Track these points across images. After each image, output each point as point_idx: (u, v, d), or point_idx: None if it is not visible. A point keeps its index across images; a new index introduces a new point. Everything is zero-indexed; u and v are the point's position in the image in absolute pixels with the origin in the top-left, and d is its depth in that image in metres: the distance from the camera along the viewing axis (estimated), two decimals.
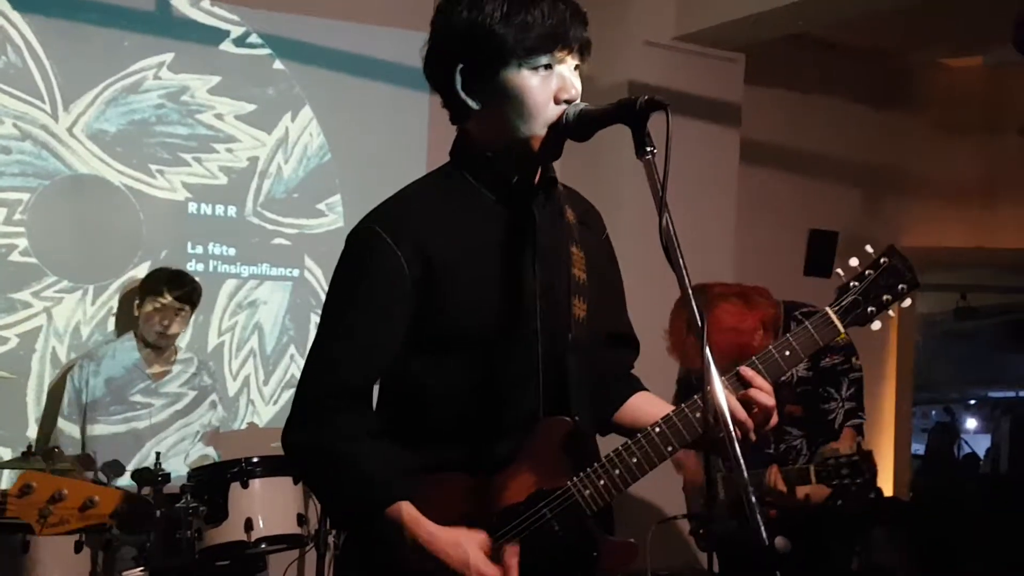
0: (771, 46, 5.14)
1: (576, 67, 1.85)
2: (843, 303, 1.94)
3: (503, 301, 1.83)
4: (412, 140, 4.90)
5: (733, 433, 1.52)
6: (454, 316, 1.81)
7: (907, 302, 1.97)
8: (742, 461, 1.47)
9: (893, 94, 6.24)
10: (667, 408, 2.00)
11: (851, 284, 1.96)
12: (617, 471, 1.83)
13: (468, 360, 1.82)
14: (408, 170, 4.69)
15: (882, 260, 1.97)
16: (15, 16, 4.30)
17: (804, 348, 1.92)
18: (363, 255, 1.84)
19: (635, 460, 1.84)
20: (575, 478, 1.83)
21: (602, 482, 1.83)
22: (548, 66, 1.80)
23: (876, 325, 1.96)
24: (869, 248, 1.99)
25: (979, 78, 6.47)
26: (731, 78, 5.17)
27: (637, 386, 2.12)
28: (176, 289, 4.11)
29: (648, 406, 2.06)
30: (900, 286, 1.95)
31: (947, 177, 6.24)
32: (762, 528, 1.42)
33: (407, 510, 1.74)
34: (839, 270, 2.01)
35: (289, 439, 1.85)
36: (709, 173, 5.01)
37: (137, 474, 3.38)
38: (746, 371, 1.88)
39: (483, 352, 1.82)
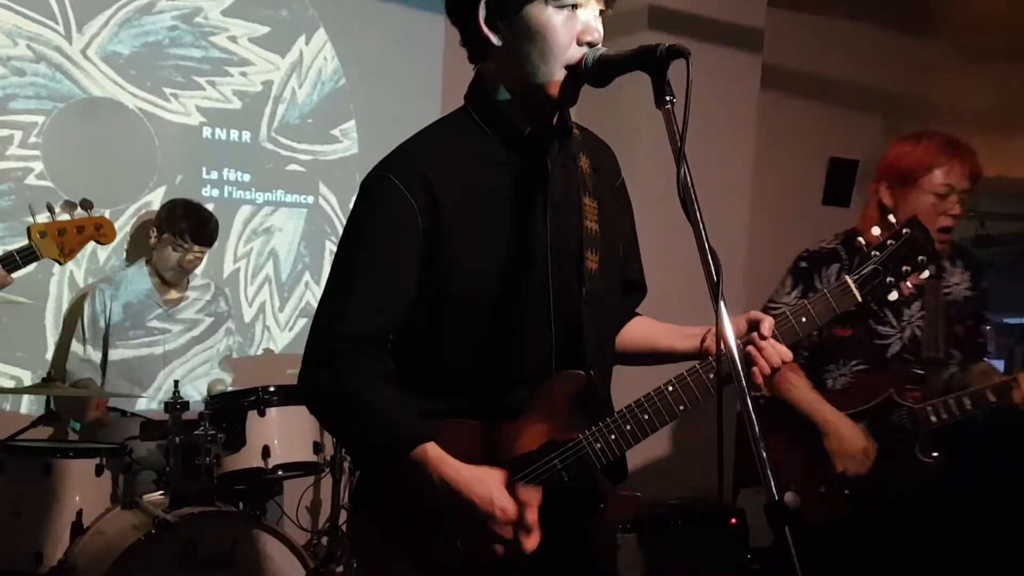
0: None
1: (601, 13, 1.82)
2: (863, 272, 1.95)
3: (513, 252, 1.83)
4: (427, 64, 4.84)
5: (745, 386, 1.52)
6: (462, 265, 1.82)
7: (925, 274, 1.97)
8: (755, 419, 1.47)
9: (916, 19, 6.11)
10: (662, 325, 2.07)
11: (872, 254, 1.96)
12: (628, 427, 1.85)
13: (478, 310, 1.83)
14: (423, 95, 4.78)
15: (904, 231, 1.98)
16: None
17: (820, 315, 1.92)
18: (375, 201, 1.84)
19: (647, 417, 1.85)
20: (587, 431, 1.85)
21: (613, 436, 1.84)
22: (573, 7, 1.78)
23: (893, 295, 1.96)
24: (892, 218, 2.00)
25: (1004, 4, 6.32)
26: (754, 1, 5.06)
27: (632, 316, 2.14)
28: (196, 227, 4.10)
29: (644, 331, 2.09)
30: (920, 257, 1.96)
31: (968, 105, 6.12)
32: (772, 483, 1.43)
33: (432, 450, 1.76)
34: (860, 239, 2.00)
35: (307, 380, 1.86)
36: (729, 99, 4.94)
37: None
38: (755, 315, 1.89)
39: (493, 303, 1.83)
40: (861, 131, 6.04)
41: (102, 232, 3.15)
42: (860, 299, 1.95)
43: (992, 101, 6.23)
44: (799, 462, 2.97)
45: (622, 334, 2.10)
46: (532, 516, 1.76)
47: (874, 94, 6.02)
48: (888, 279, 1.95)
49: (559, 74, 1.80)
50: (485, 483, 1.75)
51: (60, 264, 3.11)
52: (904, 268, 1.94)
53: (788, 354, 1.87)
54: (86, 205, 3.08)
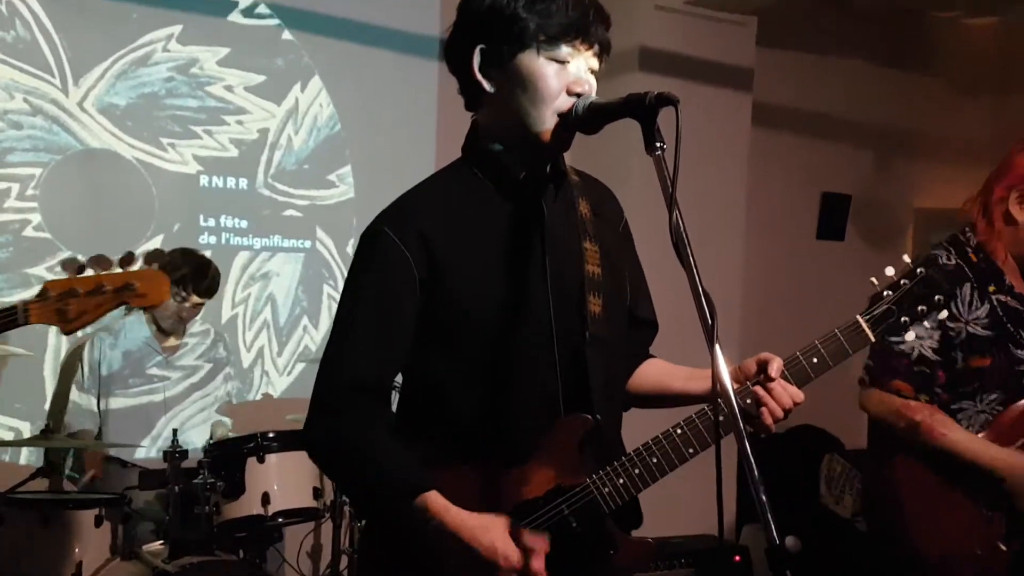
0: (783, 7, 5.09)
1: (595, 69, 1.85)
2: (875, 312, 1.91)
3: (513, 298, 1.85)
4: (422, 109, 4.89)
5: (743, 429, 1.53)
6: (461, 314, 1.83)
7: (943, 313, 1.93)
8: (752, 459, 1.48)
9: (906, 54, 6.17)
10: (675, 367, 2.05)
11: (884, 293, 1.93)
12: (637, 470, 1.84)
13: (481, 358, 1.84)
14: (418, 139, 4.82)
15: (918, 270, 1.94)
16: None
17: (832, 356, 1.88)
18: (372, 254, 1.87)
19: (655, 460, 1.85)
20: (594, 475, 1.84)
21: (621, 480, 1.84)
22: (565, 60, 1.82)
23: (910, 335, 1.94)
24: (906, 257, 1.97)
25: (993, 38, 6.39)
26: (743, 41, 5.13)
27: (646, 357, 2.14)
28: (199, 285, 4.07)
29: (656, 373, 2.09)
30: (936, 297, 1.92)
31: (960, 138, 6.18)
32: (772, 527, 1.43)
33: (434, 498, 1.77)
34: (873, 279, 1.96)
35: (308, 436, 1.89)
36: (721, 137, 4.99)
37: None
38: (765, 356, 1.87)
39: (496, 350, 1.84)
40: (853, 166, 6.09)
41: (135, 292, 2.37)
42: (873, 339, 1.91)
43: (984, 134, 6.27)
44: (948, 522, 2.69)
45: (635, 377, 2.10)
46: (538, 564, 1.75)
47: (865, 129, 6.07)
48: (903, 319, 1.91)
49: (550, 121, 1.83)
50: (489, 531, 1.75)
51: (64, 334, 2.49)
52: (920, 308, 1.92)
53: (799, 395, 1.86)
54: (125, 260, 2.38)
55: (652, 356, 2.15)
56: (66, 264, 2.35)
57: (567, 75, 1.82)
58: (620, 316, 1.99)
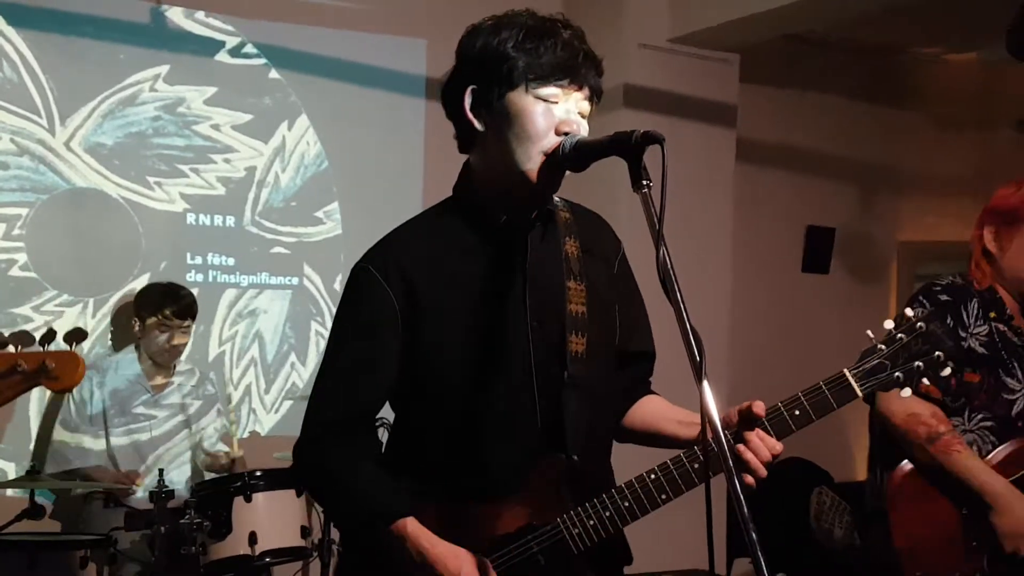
0: (766, 45, 5.14)
1: (585, 113, 1.87)
2: (865, 366, 1.83)
3: (493, 339, 1.88)
4: (409, 146, 4.91)
5: (732, 466, 1.53)
6: (442, 353, 1.88)
7: (946, 371, 1.83)
8: (742, 495, 1.48)
9: (888, 90, 6.24)
10: (670, 409, 2.05)
11: (878, 347, 1.85)
12: (608, 513, 1.85)
13: (462, 396, 1.88)
14: (405, 177, 4.85)
15: (918, 325, 1.84)
16: (10, 31, 4.30)
17: (816, 410, 1.82)
18: (357, 292, 1.94)
19: (627, 504, 1.85)
20: (565, 516, 1.86)
21: (592, 522, 1.86)
22: (554, 100, 1.84)
23: (906, 392, 1.83)
24: (909, 311, 1.87)
25: (973, 74, 6.47)
26: (726, 79, 5.17)
27: (645, 391, 2.14)
28: (175, 305, 4.12)
29: (651, 412, 2.09)
30: (937, 353, 1.82)
31: (942, 172, 6.24)
32: (763, 564, 1.44)
33: (411, 524, 1.84)
34: (869, 332, 1.88)
35: (295, 463, 2.00)
36: (706, 173, 5.02)
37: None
38: (747, 404, 1.83)
39: (476, 389, 1.87)
40: (837, 200, 6.14)
41: (49, 374, 2.39)
42: (861, 394, 1.83)
43: (967, 168, 6.34)
44: (940, 539, 2.70)
45: (631, 413, 2.11)
46: None
47: (849, 163, 6.13)
48: (896, 375, 1.83)
49: (536, 160, 1.84)
50: (458, 558, 1.81)
51: None
52: (917, 364, 1.83)
53: (777, 447, 1.81)
54: (46, 338, 2.40)
55: (652, 391, 2.15)
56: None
57: (554, 115, 1.84)
58: (606, 354, 2.00)
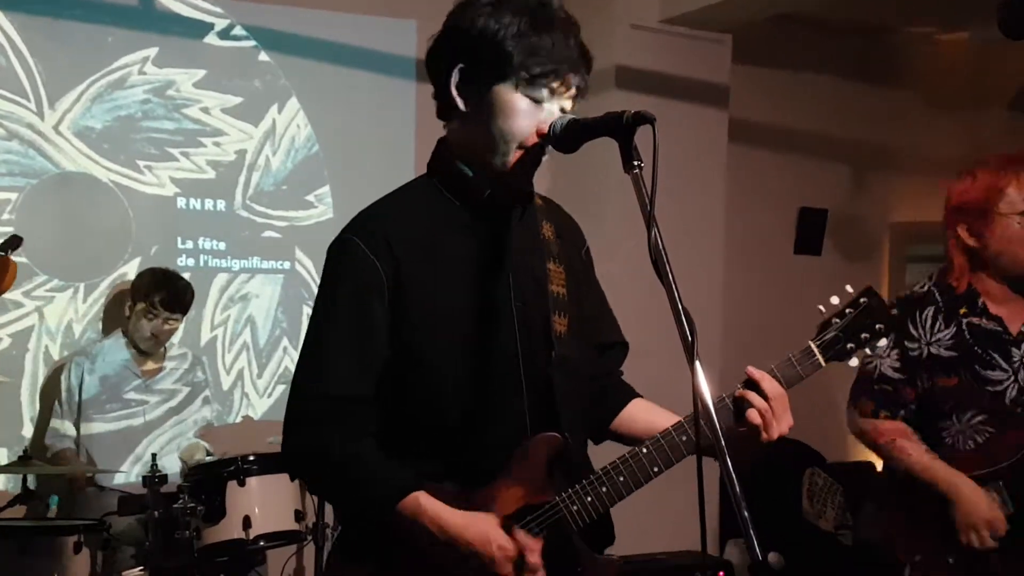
0: (758, 26, 5.12)
1: (567, 110, 1.86)
2: (825, 338, 1.97)
3: (478, 316, 1.86)
4: (399, 129, 4.89)
5: (724, 446, 1.53)
6: (427, 328, 1.84)
7: (882, 342, 1.99)
8: (734, 475, 1.48)
9: (880, 70, 6.23)
10: (664, 414, 2.03)
11: (832, 320, 1.98)
12: (604, 488, 1.85)
13: (447, 374, 1.85)
14: (396, 159, 4.82)
15: (861, 300, 2.00)
16: None
17: (788, 380, 1.93)
18: (342, 263, 1.87)
19: (622, 479, 1.86)
20: (563, 494, 1.85)
21: (589, 499, 1.85)
22: (540, 100, 1.83)
23: (854, 361, 1.99)
24: (849, 288, 2.03)
25: (965, 53, 6.45)
26: (718, 59, 5.15)
27: (631, 394, 2.14)
28: (169, 298, 4.09)
29: (645, 414, 2.08)
30: (878, 326, 1.98)
31: (934, 153, 6.22)
32: (755, 543, 1.44)
33: (424, 498, 1.78)
34: (821, 307, 2.02)
35: (289, 443, 1.88)
36: (698, 154, 5.01)
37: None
38: (753, 372, 1.89)
39: (461, 366, 1.84)
40: (829, 181, 6.13)
41: None
42: (824, 364, 1.97)
43: (959, 148, 6.32)
44: (926, 534, 2.77)
45: (623, 418, 2.10)
46: (534, 559, 1.76)
47: (841, 144, 6.12)
48: (848, 345, 1.97)
49: (514, 154, 1.85)
50: (479, 524, 1.77)
51: None
52: (863, 336, 1.97)
53: (777, 387, 1.88)
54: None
55: (634, 391, 2.15)
56: None
57: (539, 115, 1.83)
58: (586, 336, 2.00)
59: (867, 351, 1.99)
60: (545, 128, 1.82)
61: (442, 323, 1.84)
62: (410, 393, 1.86)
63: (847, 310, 1.99)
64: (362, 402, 1.85)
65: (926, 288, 2.88)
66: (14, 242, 2.54)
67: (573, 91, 1.86)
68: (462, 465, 1.85)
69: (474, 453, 1.85)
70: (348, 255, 1.85)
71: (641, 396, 2.14)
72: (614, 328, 2.15)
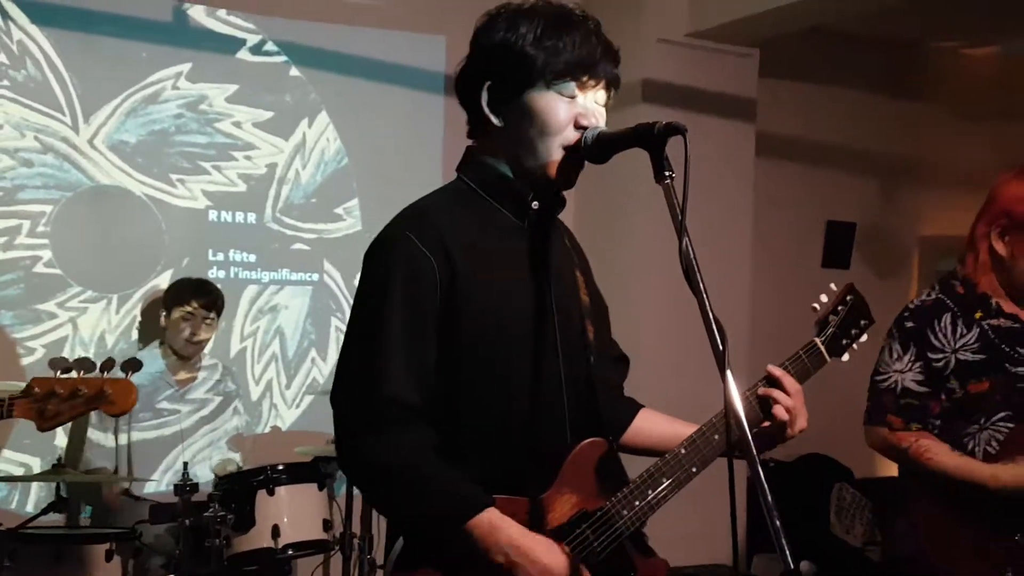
0: (785, 40, 5.12)
1: (604, 103, 1.88)
2: (827, 334, 2.06)
3: (523, 319, 1.85)
4: (428, 143, 4.93)
5: (754, 448, 1.54)
6: (477, 328, 1.81)
7: (864, 338, 2.10)
8: (765, 484, 1.49)
9: (908, 83, 6.22)
10: (679, 422, 2.05)
11: (829, 318, 2.08)
12: (651, 492, 1.86)
13: (495, 375, 1.82)
14: (424, 173, 4.86)
15: (848, 298, 2.09)
16: (33, 30, 4.34)
17: (799, 377, 1.98)
18: (396, 260, 1.80)
19: (665, 481, 1.87)
20: (613, 499, 1.85)
21: (638, 503, 1.85)
22: (573, 95, 1.84)
23: (846, 357, 2.10)
24: (833, 286, 2.13)
25: (994, 66, 6.43)
26: (745, 73, 5.16)
27: (638, 405, 2.15)
28: (202, 297, 4.17)
29: (663, 423, 2.10)
30: (862, 321, 2.09)
31: (963, 166, 6.21)
32: (787, 551, 1.44)
33: (495, 515, 1.74)
34: (815, 305, 2.11)
35: (354, 449, 1.80)
36: (725, 168, 5.01)
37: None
38: (775, 370, 1.97)
39: (508, 369, 1.83)
40: (857, 194, 6.12)
41: (107, 399, 2.57)
42: (828, 359, 2.06)
43: (988, 160, 6.28)
44: (965, 545, 2.65)
45: (636, 431, 2.10)
46: None
47: (869, 157, 6.11)
48: (843, 341, 2.07)
49: (556, 153, 1.84)
50: (555, 550, 1.75)
51: (40, 431, 2.59)
52: (853, 331, 2.07)
53: (795, 384, 1.96)
54: (106, 366, 2.58)
55: (638, 402, 2.15)
56: (53, 362, 2.57)
57: (574, 108, 1.84)
58: (604, 344, 2.03)
59: (855, 347, 2.09)
60: (582, 120, 1.83)
61: (491, 323, 1.81)
62: (465, 394, 1.81)
63: (838, 308, 2.08)
64: (422, 407, 1.78)
65: (934, 297, 2.77)
66: (134, 364, 2.65)
67: (603, 83, 1.86)
68: (512, 468, 1.81)
69: (522, 455, 1.82)
70: (401, 251, 1.80)
71: (643, 406, 2.15)
72: (616, 344, 2.15)
